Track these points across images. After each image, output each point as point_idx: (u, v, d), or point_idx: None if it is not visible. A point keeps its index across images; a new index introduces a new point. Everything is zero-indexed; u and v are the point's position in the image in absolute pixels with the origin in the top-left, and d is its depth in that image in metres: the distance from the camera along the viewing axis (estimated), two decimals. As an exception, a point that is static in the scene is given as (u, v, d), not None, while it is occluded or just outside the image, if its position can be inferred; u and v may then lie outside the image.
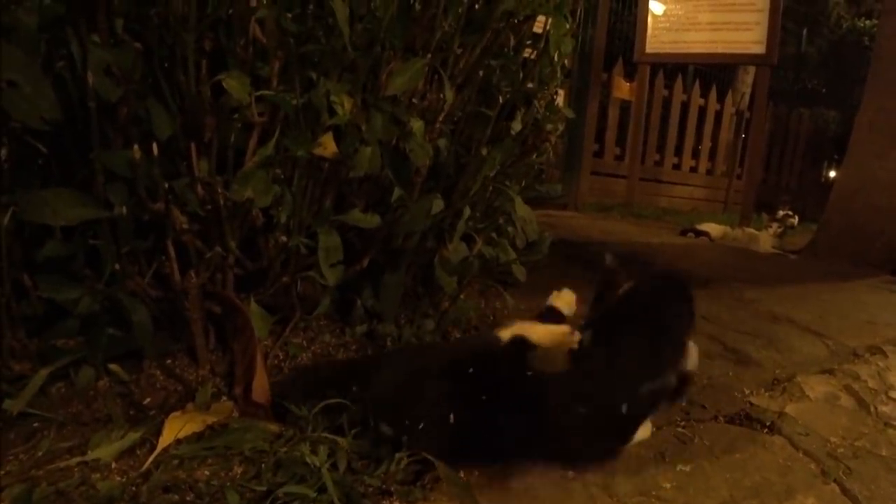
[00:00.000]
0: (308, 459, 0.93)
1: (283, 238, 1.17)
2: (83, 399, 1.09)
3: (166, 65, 1.07)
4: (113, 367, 1.14)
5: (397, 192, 1.26)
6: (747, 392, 1.29)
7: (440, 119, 1.22)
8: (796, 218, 3.98)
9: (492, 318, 1.68)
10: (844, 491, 0.95)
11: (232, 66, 1.09)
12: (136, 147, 1.02)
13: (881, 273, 2.83)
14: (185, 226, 1.12)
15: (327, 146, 1.13)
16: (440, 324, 1.52)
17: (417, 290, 1.56)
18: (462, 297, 1.64)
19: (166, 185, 1.09)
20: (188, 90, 1.07)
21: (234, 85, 1.02)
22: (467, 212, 1.31)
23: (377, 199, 1.35)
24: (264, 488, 0.91)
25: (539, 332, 1.09)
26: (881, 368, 1.45)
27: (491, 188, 1.42)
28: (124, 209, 1.02)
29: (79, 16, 0.98)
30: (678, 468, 0.97)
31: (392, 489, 0.92)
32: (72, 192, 0.98)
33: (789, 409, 1.18)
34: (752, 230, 3.91)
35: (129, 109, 1.05)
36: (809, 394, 1.25)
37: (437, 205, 1.25)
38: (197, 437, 1.01)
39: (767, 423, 1.12)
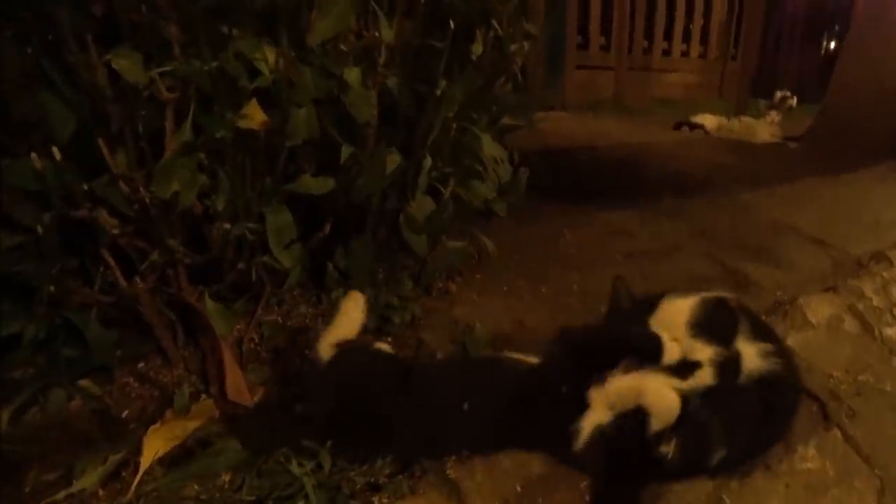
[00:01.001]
0: (292, 468, 0.89)
1: (227, 226, 1.06)
2: (59, 423, 1.05)
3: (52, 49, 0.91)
4: (83, 383, 1.09)
5: (346, 150, 1.13)
6: None
7: (382, 62, 1.05)
8: (794, 99, 3.71)
9: (476, 258, 1.60)
10: (847, 438, 0.90)
11: (125, 37, 0.93)
12: (34, 155, 0.89)
13: (885, 160, 2.65)
14: (116, 230, 1.01)
15: (253, 116, 0.98)
16: (420, 278, 1.45)
17: (392, 245, 1.47)
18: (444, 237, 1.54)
19: (85, 188, 0.98)
20: (80, 77, 0.91)
21: (125, 64, 0.87)
22: (428, 163, 1.18)
23: (330, 158, 1.22)
24: (252, 498, 0.88)
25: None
26: (886, 280, 1.35)
27: (454, 127, 1.27)
28: (39, 229, 0.91)
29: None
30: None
31: (380, 482, 0.89)
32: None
33: (791, 340, 1.11)
34: (748, 119, 3.66)
35: (21, 109, 0.91)
36: (812, 319, 1.17)
37: (393, 160, 1.12)
38: (181, 449, 0.98)
39: None
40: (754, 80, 4.82)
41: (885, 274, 1.38)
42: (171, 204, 0.98)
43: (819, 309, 1.21)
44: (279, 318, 1.32)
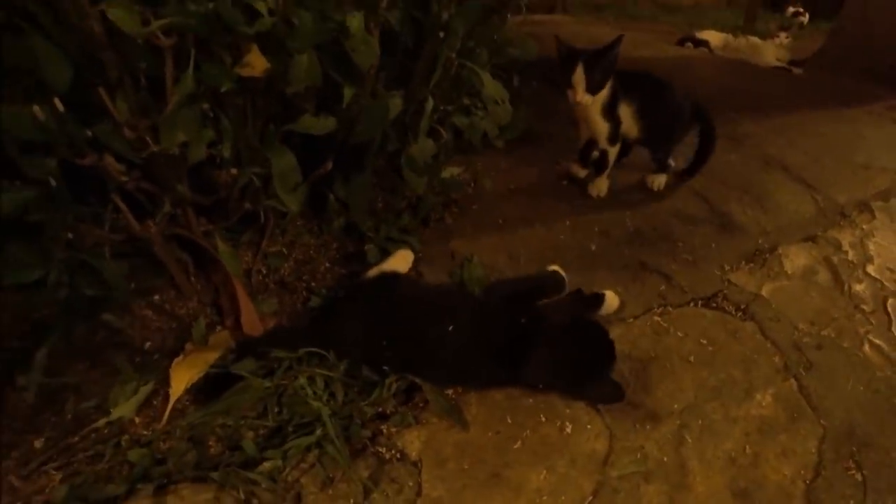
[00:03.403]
0: (309, 401, 1.00)
1: (234, 171, 1.08)
2: (87, 355, 1.13)
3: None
4: (105, 317, 1.16)
5: (348, 91, 1.12)
6: (727, 268, 1.29)
7: (384, 4, 1.02)
8: (807, 16, 3.49)
9: (472, 185, 1.63)
10: (801, 388, 1.01)
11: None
12: (36, 107, 0.88)
13: (888, 94, 2.56)
14: (124, 177, 1.02)
15: (255, 64, 0.97)
16: (417, 210, 1.49)
17: (391, 175, 1.49)
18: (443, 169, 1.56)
19: (89, 135, 0.98)
20: (73, 23, 0.88)
21: (121, 15, 0.84)
22: (431, 105, 1.18)
23: (330, 96, 1.21)
24: (275, 425, 1.00)
25: None
26: (865, 233, 1.40)
27: (456, 64, 1.25)
28: (52, 182, 0.93)
29: None
30: (653, 368, 1.04)
31: (388, 412, 1.01)
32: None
33: (766, 289, 1.19)
34: (755, 39, 3.46)
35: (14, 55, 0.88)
36: (788, 269, 1.24)
37: (396, 105, 1.12)
38: (205, 380, 1.08)
39: (742, 307, 1.15)
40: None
41: (864, 226, 1.43)
42: (178, 154, 0.99)
43: (796, 259, 1.29)
44: (284, 249, 1.38)
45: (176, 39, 0.94)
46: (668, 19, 4.27)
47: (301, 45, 0.98)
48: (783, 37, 3.45)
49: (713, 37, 3.50)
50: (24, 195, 0.91)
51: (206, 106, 0.98)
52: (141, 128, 0.98)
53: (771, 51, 3.37)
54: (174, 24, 0.88)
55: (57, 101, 0.89)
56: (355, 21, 0.97)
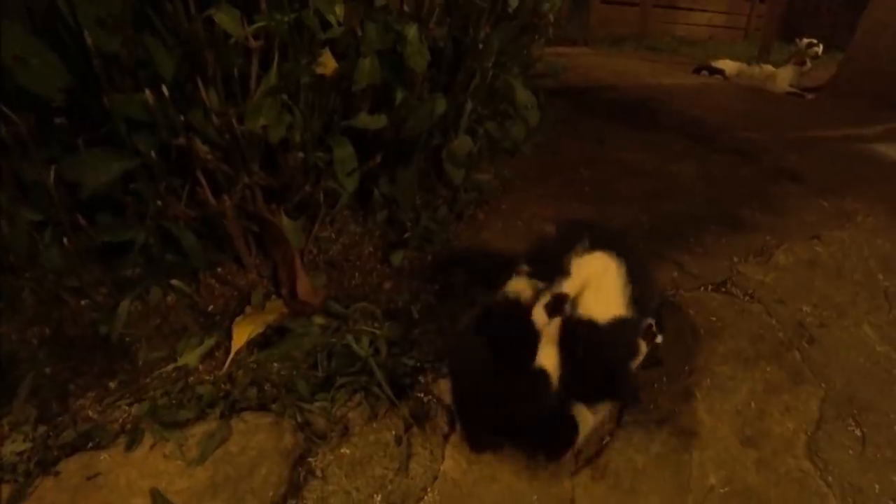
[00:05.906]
0: (355, 349, 1.13)
1: (301, 155, 1.25)
2: (158, 314, 1.28)
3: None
4: (175, 282, 1.32)
5: (400, 94, 1.29)
6: (736, 260, 1.41)
7: (433, 21, 1.20)
8: (821, 47, 3.64)
9: (502, 189, 1.78)
10: (804, 358, 1.13)
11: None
12: (147, 92, 1.06)
13: None
14: (208, 155, 1.20)
15: (327, 64, 1.15)
16: (453, 206, 1.64)
17: (429, 175, 1.65)
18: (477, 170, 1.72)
19: (182, 119, 1.15)
20: (182, 26, 1.07)
21: (226, 20, 1.02)
22: (469, 106, 1.34)
23: (383, 98, 1.38)
24: (324, 375, 1.13)
25: None
26: (869, 233, 1.50)
27: (491, 73, 1.42)
28: (153, 154, 1.10)
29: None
30: (665, 338, 1.15)
31: (424, 366, 1.14)
32: (105, 150, 1.05)
33: (771, 277, 1.30)
34: (769, 67, 3.61)
35: (130, 54, 1.07)
36: (794, 261, 1.35)
37: (441, 105, 1.29)
38: (262, 337, 1.22)
39: (749, 292, 1.26)
40: (783, 21, 4.71)
41: (869, 227, 1.54)
42: (257, 136, 1.17)
43: (802, 253, 1.40)
44: (332, 235, 1.54)
45: (263, 42, 1.13)
46: (687, 51, 4.48)
47: (366, 50, 1.16)
48: (808, 62, 3.52)
49: (728, 65, 3.66)
50: (131, 162, 1.09)
51: (284, 96, 1.15)
52: (230, 115, 1.16)
53: (785, 77, 3.50)
54: (265, 28, 1.07)
55: (164, 88, 1.07)
56: (412, 31, 1.15)
